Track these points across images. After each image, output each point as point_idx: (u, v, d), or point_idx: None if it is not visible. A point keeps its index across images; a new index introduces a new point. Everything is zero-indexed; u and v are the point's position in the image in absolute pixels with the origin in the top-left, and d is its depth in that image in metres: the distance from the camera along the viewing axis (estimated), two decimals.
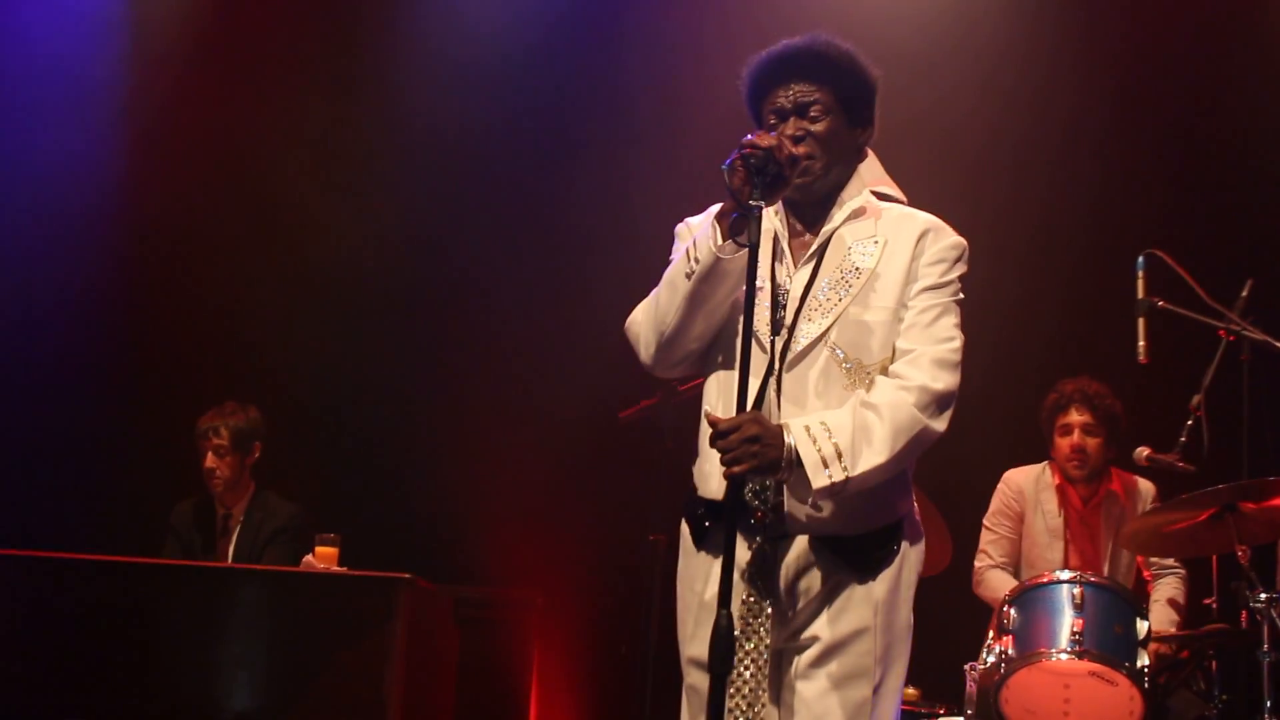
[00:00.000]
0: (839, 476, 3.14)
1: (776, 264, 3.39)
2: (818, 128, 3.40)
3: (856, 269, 3.35)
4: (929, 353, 3.29)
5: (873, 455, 3.18)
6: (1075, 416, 6.01)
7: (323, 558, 5.63)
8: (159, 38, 7.70)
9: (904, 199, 3.54)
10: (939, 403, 3.26)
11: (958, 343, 3.34)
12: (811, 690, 3.25)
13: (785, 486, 3.24)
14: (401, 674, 5.16)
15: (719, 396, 3.38)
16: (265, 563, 6.21)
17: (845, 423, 3.19)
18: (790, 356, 3.30)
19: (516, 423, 7.25)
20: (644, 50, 7.48)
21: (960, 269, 3.42)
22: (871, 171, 3.53)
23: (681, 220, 3.57)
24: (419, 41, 7.72)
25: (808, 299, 3.33)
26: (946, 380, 3.28)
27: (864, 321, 3.31)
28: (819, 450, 3.15)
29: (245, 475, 6.49)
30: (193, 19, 7.71)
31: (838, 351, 3.29)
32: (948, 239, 3.42)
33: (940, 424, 3.27)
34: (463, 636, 6.17)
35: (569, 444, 7.20)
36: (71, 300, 7.55)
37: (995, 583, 5.98)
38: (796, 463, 3.15)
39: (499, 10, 7.71)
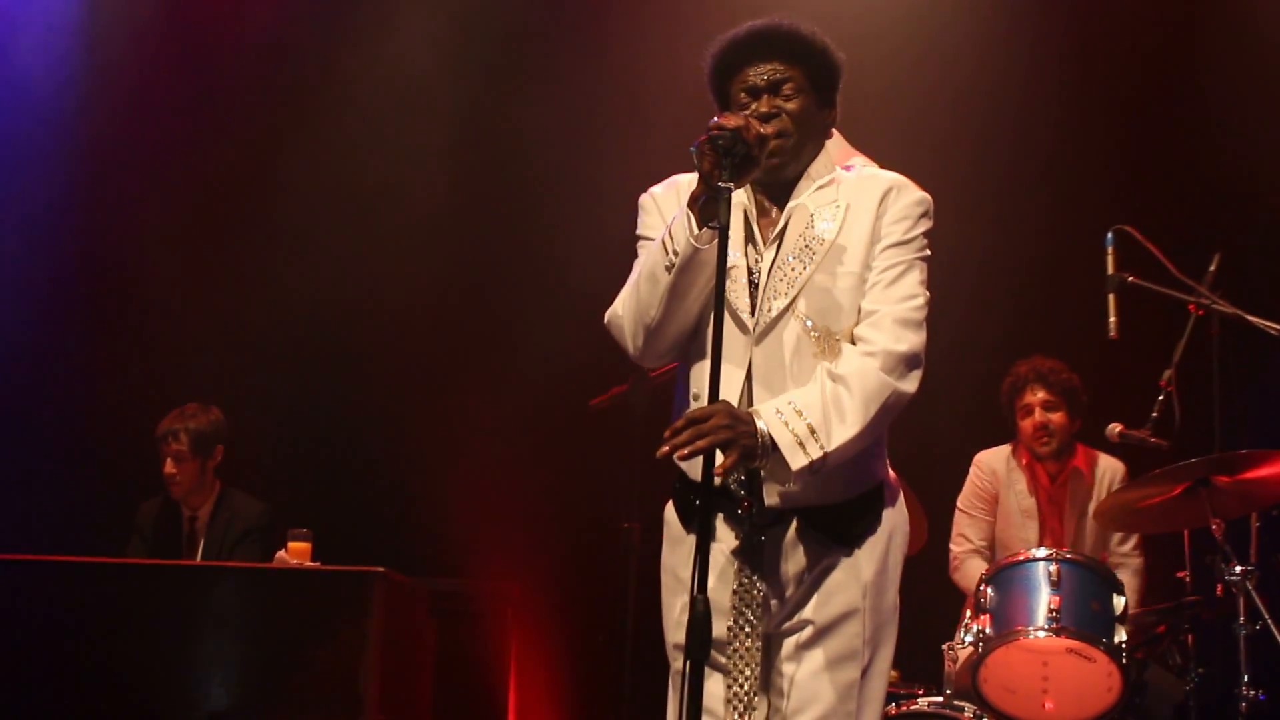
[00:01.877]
0: (816, 454, 3.12)
1: (749, 245, 3.38)
2: (791, 105, 3.38)
3: (820, 236, 3.33)
4: (891, 313, 3.26)
5: (846, 428, 3.16)
6: (1032, 396, 6.03)
7: (295, 553, 5.61)
8: (114, 43, 7.63)
9: (871, 163, 3.54)
10: (905, 363, 3.24)
11: (921, 300, 3.32)
12: (802, 673, 3.25)
13: (765, 473, 3.22)
14: (378, 668, 5.14)
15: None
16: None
17: (814, 400, 3.17)
18: (758, 331, 3.28)
19: (487, 413, 7.22)
20: (610, 37, 7.46)
21: (925, 224, 3.39)
22: (840, 149, 3.54)
23: (645, 191, 3.55)
24: (373, 22, 7.69)
25: (773, 273, 3.32)
26: (910, 340, 3.26)
27: (830, 289, 3.29)
28: (792, 431, 3.13)
29: (209, 477, 6.43)
30: (152, 24, 7.64)
31: (806, 322, 3.27)
32: (911, 195, 3.39)
33: (910, 385, 3.25)
34: (439, 629, 6.16)
35: (541, 433, 7.18)
36: (32, 300, 7.47)
37: (973, 571, 5.97)
38: (772, 447, 3.12)
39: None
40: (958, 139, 7.01)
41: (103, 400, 7.42)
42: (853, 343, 3.27)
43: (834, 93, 3.49)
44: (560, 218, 7.28)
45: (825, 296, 3.28)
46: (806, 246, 3.32)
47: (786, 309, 3.28)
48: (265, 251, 7.54)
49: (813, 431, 3.14)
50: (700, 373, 3.36)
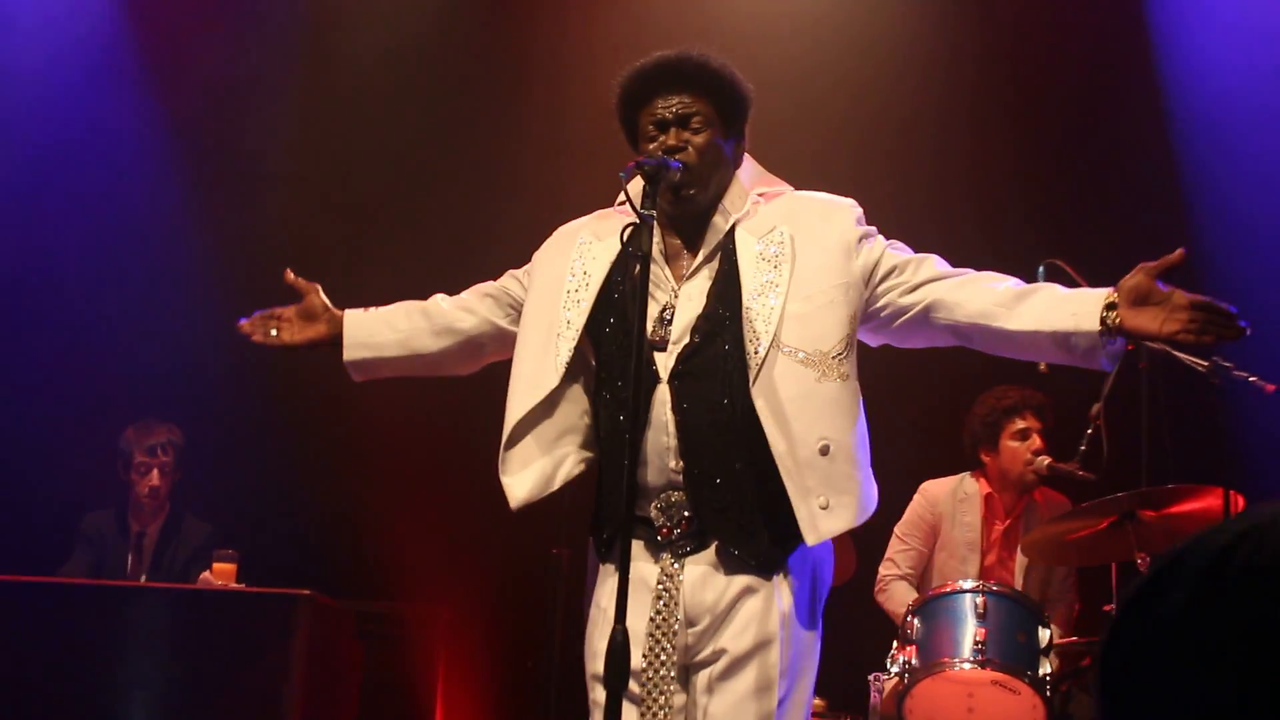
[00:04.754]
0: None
1: (651, 284, 3.36)
2: (699, 139, 3.41)
3: (775, 269, 3.36)
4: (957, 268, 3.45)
5: None
6: (1032, 421, 5.93)
7: (220, 575, 5.56)
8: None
9: (788, 187, 3.58)
10: None
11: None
12: (718, 704, 3.24)
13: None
14: (301, 692, 5.09)
15: (527, 402, 3.43)
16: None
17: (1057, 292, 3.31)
18: (751, 374, 3.27)
19: (416, 435, 7.19)
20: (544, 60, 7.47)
21: (865, 223, 3.49)
22: (751, 175, 3.56)
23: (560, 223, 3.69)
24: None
25: (743, 314, 3.32)
26: None
27: (807, 313, 3.31)
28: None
29: (168, 495, 6.43)
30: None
31: (789, 353, 3.29)
32: (843, 205, 3.50)
33: None
34: (365, 653, 6.11)
35: (471, 457, 7.14)
36: None
37: (898, 595, 5.96)
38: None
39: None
40: (889, 168, 7.03)
41: (22, 418, 7.33)
42: (842, 355, 3.32)
43: (743, 124, 3.53)
44: (485, 240, 7.26)
45: (804, 322, 3.31)
46: (767, 281, 3.34)
47: (771, 345, 3.28)
48: (204, 263, 7.48)
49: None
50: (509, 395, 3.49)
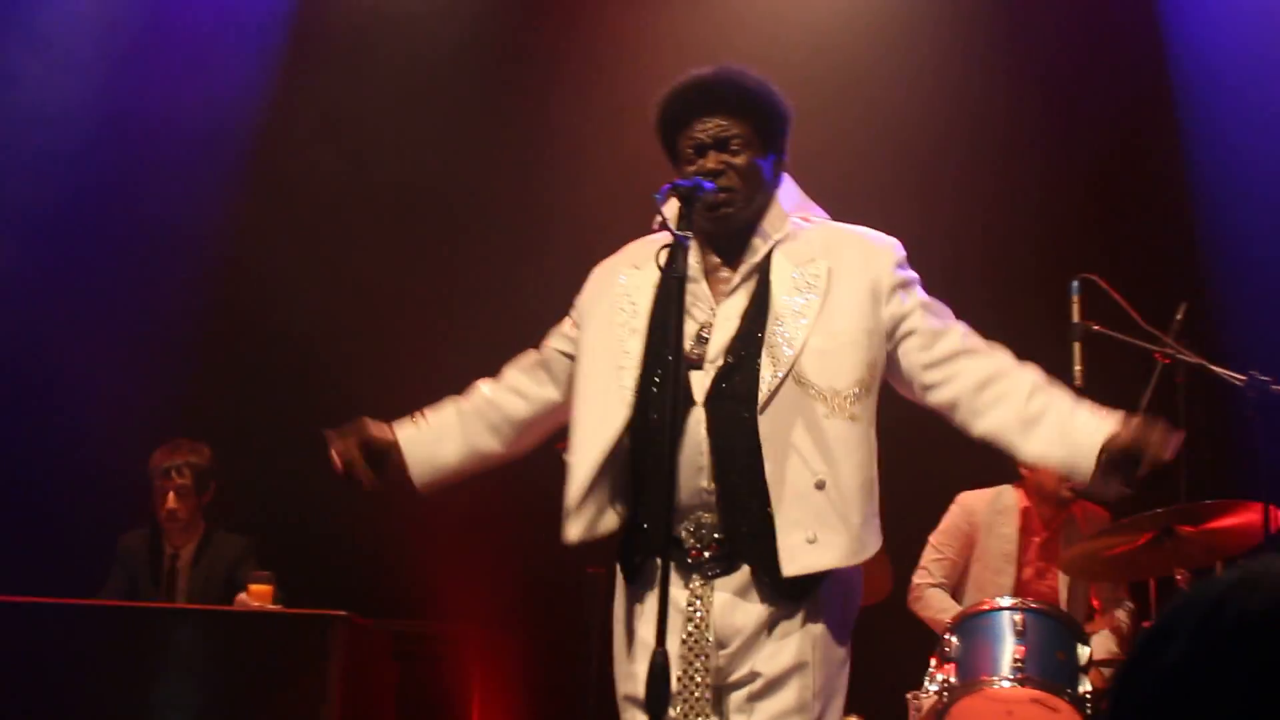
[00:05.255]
0: None
1: (689, 302, 3.34)
2: (739, 161, 3.38)
3: (806, 300, 3.33)
4: (980, 341, 3.43)
5: None
6: None
7: (256, 596, 5.56)
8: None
9: (826, 216, 3.55)
10: None
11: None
12: None
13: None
14: (338, 713, 5.09)
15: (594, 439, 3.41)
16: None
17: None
18: (761, 400, 3.26)
19: None
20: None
21: (909, 269, 3.45)
22: (790, 197, 3.53)
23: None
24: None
25: (766, 337, 3.31)
26: None
27: (829, 350, 3.29)
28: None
29: (199, 515, 6.35)
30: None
31: (803, 384, 3.27)
32: (885, 248, 3.45)
33: None
34: (401, 672, 6.11)
35: (506, 475, 7.13)
36: None
37: (933, 601, 5.95)
38: None
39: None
40: (924, 186, 7.02)
41: (51, 436, 7.35)
42: (854, 396, 3.28)
43: (783, 140, 3.49)
44: (522, 255, 7.29)
45: (824, 358, 3.29)
46: (797, 311, 3.32)
47: (786, 375, 3.27)
48: (238, 287, 7.50)
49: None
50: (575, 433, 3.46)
